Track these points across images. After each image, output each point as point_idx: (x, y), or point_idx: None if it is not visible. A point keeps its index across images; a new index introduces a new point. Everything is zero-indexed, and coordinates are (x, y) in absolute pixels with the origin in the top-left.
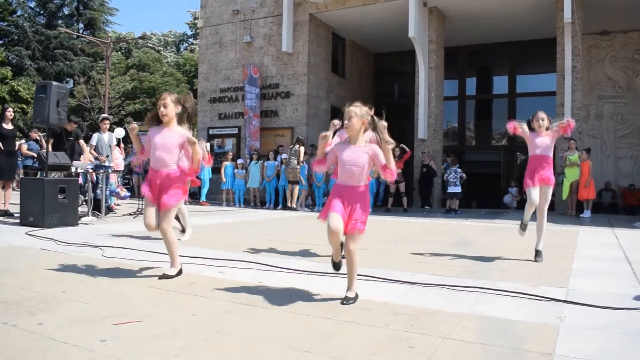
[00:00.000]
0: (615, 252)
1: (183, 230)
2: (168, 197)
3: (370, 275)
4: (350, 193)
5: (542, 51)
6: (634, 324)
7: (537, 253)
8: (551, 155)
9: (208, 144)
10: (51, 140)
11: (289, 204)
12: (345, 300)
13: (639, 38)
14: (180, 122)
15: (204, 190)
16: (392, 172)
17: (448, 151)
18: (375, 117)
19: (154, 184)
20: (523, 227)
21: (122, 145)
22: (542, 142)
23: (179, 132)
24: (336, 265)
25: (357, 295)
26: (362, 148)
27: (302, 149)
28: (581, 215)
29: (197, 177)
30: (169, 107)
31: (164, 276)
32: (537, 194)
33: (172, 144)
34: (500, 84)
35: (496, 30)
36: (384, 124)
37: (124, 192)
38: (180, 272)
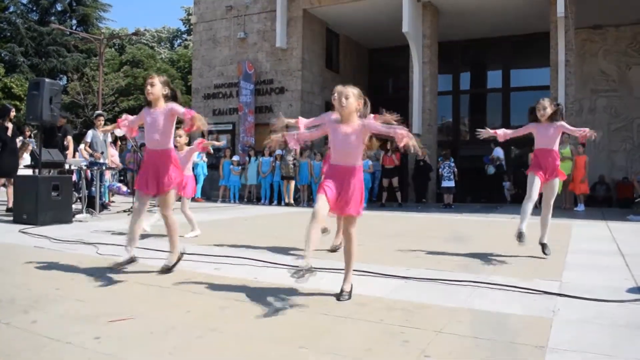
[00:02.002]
0: (608, 245)
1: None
2: (165, 181)
3: (364, 271)
4: (344, 172)
5: (536, 45)
6: (626, 317)
7: (544, 246)
8: (555, 147)
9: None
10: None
11: (285, 200)
12: (340, 296)
13: (632, 32)
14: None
15: (199, 187)
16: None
17: (443, 146)
18: (367, 101)
19: (150, 165)
20: (520, 236)
21: (119, 142)
22: (545, 133)
23: (164, 107)
24: (302, 271)
25: (351, 290)
26: (354, 127)
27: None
28: (575, 209)
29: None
30: (156, 86)
31: (164, 268)
32: (537, 189)
33: (161, 122)
34: (494, 78)
35: (490, 25)
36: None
37: (125, 188)
38: (180, 258)
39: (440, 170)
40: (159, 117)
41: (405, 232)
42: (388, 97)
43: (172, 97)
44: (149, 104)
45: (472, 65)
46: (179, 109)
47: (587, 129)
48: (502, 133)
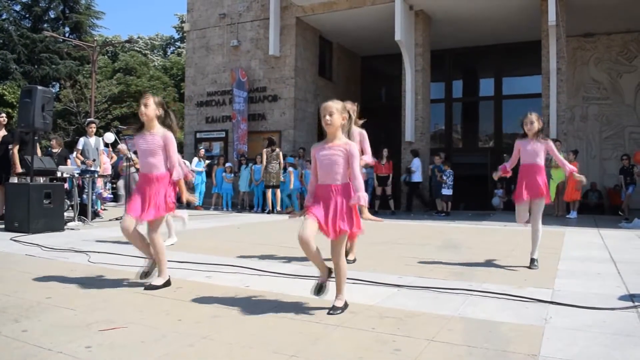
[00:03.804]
0: (600, 252)
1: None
2: (155, 210)
3: (357, 279)
4: (330, 192)
5: (528, 53)
6: (618, 324)
7: (532, 261)
8: (540, 162)
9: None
10: (17, 146)
11: (271, 208)
12: (332, 310)
13: (622, 40)
14: (163, 125)
15: (199, 195)
16: (356, 189)
17: (439, 153)
18: (352, 116)
19: (144, 189)
20: (532, 262)
21: (110, 149)
22: (531, 148)
23: (160, 134)
24: (320, 288)
25: (346, 304)
26: (339, 146)
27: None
28: (567, 216)
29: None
30: (150, 107)
31: (150, 287)
32: (524, 210)
33: (156, 147)
34: (486, 86)
35: (482, 33)
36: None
37: (107, 194)
38: (168, 283)
39: (444, 178)
40: (154, 141)
41: (398, 239)
42: (381, 105)
43: (165, 118)
44: (142, 125)
45: (464, 73)
46: (172, 152)
47: (575, 170)
48: (504, 167)
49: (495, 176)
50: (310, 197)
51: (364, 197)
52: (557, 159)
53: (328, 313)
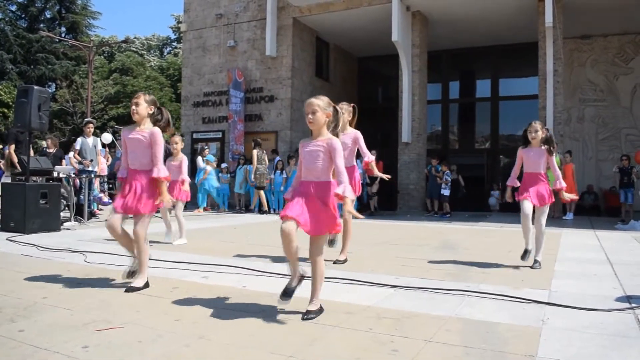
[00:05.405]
0: (597, 253)
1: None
2: (143, 205)
3: (354, 279)
4: (313, 188)
5: (524, 55)
6: (614, 325)
7: (535, 262)
8: (543, 170)
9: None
10: (13, 145)
11: (267, 209)
12: (305, 315)
13: (619, 42)
14: (155, 124)
15: (203, 197)
16: (340, 182)
17: (434, 154)
18: (338, 109)
19: (131, 184)
20: (525, 253)
21: (107, 149)
22: (534, 157)
23: (148, 131)
24: (287, 292)
25: (321, 308)
26: (321, 141)
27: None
28: (564, 218)
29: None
30: (141, 106)
31: (131, 289)
32: (529, 206)
33: (145, 143)
34: (483, 87)
35: (479, 34)
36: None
37: (107, 199)
38: (147, 285)
39: (445, 178)
40: (143, 139)
41: (396, 240)
42: (377, 106)
43: (158, 115)
44: (133, 122)
45: (461, 74)
46: (157, 149)
47: (564, 188)
48: (511, 182)
49: (508, 197)
50: (291, 190)
51: (348, 189)
52: (555, 172)
53: (303, 319)
